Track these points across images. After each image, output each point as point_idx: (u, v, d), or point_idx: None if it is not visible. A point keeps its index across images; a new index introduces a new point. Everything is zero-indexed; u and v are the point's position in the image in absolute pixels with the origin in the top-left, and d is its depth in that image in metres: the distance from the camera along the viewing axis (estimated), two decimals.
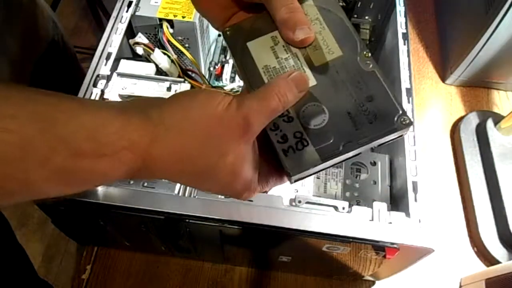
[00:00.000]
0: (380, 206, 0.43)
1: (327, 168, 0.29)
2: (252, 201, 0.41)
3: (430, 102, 0.74)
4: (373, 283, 0.57)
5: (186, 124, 0.25)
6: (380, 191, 0.50)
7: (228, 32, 0.32)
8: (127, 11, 0.55)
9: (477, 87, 0.75)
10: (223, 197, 0.42)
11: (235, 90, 0.57)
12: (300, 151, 0.28)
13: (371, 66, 0.30)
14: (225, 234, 0.44)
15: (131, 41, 0.56)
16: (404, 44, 0.54)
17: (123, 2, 0.56)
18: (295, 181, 0.29)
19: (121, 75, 0.51)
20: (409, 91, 0.51)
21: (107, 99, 0.49)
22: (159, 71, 0.57)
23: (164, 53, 0.56)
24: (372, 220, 0.42)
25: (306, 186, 0.50)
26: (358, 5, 0.67)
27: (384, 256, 0.43)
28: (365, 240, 0.41)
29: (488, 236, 0.59)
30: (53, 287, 0.81)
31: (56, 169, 0.22)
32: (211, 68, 0.65)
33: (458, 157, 0.67)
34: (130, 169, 0.24)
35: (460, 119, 0.70)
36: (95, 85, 0.49)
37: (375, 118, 0.28)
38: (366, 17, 0.68)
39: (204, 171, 0.26)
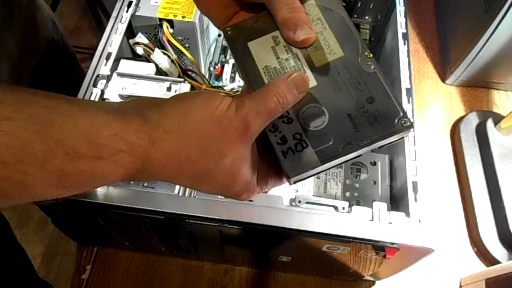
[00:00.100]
0: (380, 206, 0.43)
1: (327, 170, 0.29)
2: (252, 201, 0.41)
3: (430, 102, 0.74)
4: (373, 283, 0.57)
5: (185, 127, 0.25)
6: (380, 191, 0.50)
7: (229, 32, 0.32)
8: (127, 11, 0.55)
9: (477, 87, 0.75)
10: (223, 197, 0.42)
11: (235, 90, 0.57)
12: (300, 152, 0.28)
13: (372, 67, 0.29)
14: (225, 234, 0.44)
15: (131, 41, 0.56)
16: (404, 44, 0.54)
17: (123, 2, 0.56)
18: (294, 182, 0.28)
19: (121, 75, 0.51)
20: (409, 91, 0.51)
21: (107, 99, 0.49)
22: (159, 71, 0.57)
23: (164, 53, 0.56)
24: (372, 220, 0.42)
25: (306, 186, 0.50)
26: (358, 5, 0.67)
27: (384, 256, 0.43)
28: (365, 240, 0.41)
29: (488, 236, 0.59)
30: (53, 287, 0.81)
31: (53, 172, 0.22)
32: (211, 68, 0.65)
33: (458, 157, 0.67)
34: (129, 171, 0.24)
35: (460, 119, 0.70)
36: (95, 85, 0.49)
37: (375, 120, 0.28)
38: (366, 17, 0.68)
39: (203, 173, 0.26)
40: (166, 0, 0.56)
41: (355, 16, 0.68)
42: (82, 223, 0.51)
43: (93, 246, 0.58)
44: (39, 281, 0.76)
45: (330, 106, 0.29)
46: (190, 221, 0.41)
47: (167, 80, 0.52)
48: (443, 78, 0.75)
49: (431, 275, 0.58)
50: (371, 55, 0.30)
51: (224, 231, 0.43)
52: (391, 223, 0.42)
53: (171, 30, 0.57)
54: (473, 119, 0.68)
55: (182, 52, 0.56)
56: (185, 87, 0.52)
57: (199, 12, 0.56)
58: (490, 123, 0.65)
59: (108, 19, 0.55)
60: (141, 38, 0.56)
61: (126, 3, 0.56)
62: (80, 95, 0.49)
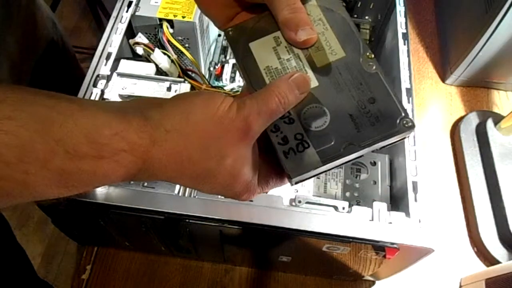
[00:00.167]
0: (380, 206, 0.43)
1: (328, 170, 0.29)
2: (252, 201, 0.41)
3: (430, 102, 0.74)
4: (373, 283, 0.57)
5: (186, 127, 0.25)
6: (380, 191, 0.50)
7: (230, 32, 0.32)
8: (127, 11, 0.55)
9: (477, 87, 0.75)
10: (223, 197, 0.42)
11: (235, 90, 0.57)
12: (301, 153, 0.28)
13: (374, 67, 0.29)
14: (225, 234, 0.44)
15: (131, 41, 0.56)
16: (404, 44, 0.54)
17: (123, 2, 0.56)
18: (296, 183, 0.28)
19: (121, 75, 0.51)
20: (409, 91, 0.51)
21: (107, 99, 0.49)
22: (159, 71, 0.57)
23: (164, 53, 0.56)
24: (372, 220, 0.42)
25: (306, 186, 0.50)
26: (358, 5, 0.67)
27: (384, 256, 0.43)
28: (365, 240, 0.41)
29: (488, 236, 0.59)
30: (53, 287, 0.81)
31: (54, 171, 0.22)
32: (211, 68, 0.65)
33: (458, 157, 0.67)
34: (130, 170, 0.24)
35: (460, 119, 0.70)
36: (95, 85, 0.49)
37: (377, 120, 0.28)
38: (366, 17, 0.68)
39: (204, 173, 0.26)
40: (166, 0, 0.56)
41: (355, 16, 0.68)
42: (82, 223, 0.51)
43: (93, 246, 0.58)
44: (39, 281, 0.76)
45: (331, 107, 0.29)
46: (190, 221, 0.41)
47: (167, 80, 0.52)
48: (443, 78, 0.75)
49: (431, 275, 0.58)
50: (373, 56, 0.30)
51: (224, 231, 0.43)
52: (391, 223, 0.42)
53: (171, 30, 0.57)
54: (473, 119, 0.68)
55: (182, 52, 0.56)
56: (185, 87, 0.52)
57: (199, 12, 0.56)
58: (490, 123, 0.65)
59: (108, 19, 0.55)
60: (141, 38, 0.56)
61: (126, 3, 0.56)
62: (80, 95, 0.49)
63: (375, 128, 0.28)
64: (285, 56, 0.30)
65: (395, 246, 0.40)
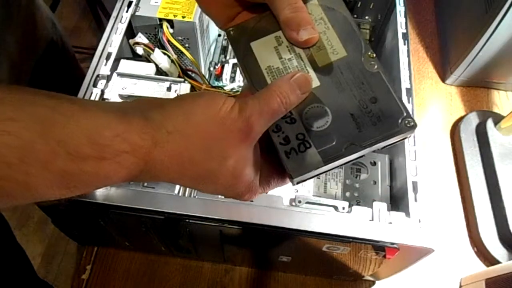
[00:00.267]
0: (380, 206, 0.43)
1: (330, 170, 0.29)
2: (252, 201, 0.41)
3: (430, 102, 0.74)
4: (373, 283, 0.57)
5: (188, 127, 0.25)
6: (380, 191, 0.50)
7: (231, 32, 0.32)
8: (127, 11, 0.55)
9: (477, 87, 0.75)
10: (223, 197, 0.42)
11: (235, 90, 0.57)
12: (303, 153, 0.28)
13: (375, 67, 0.29)
14: (225, 234, 0.44)
15: (131, 41, 0.56)
16: (404, 44, 0.54)
17: (123, 2, 0.56)
18: (297, 183, 0.28)
19: (121, 75, 0.51)
20: (409, 91, 0.51)
21: (107, 99, 0.49)
22: (159, 71, 0.57)
23: (164, 53, 0.56)
24: (372, 220, 0.42)
25: (306, 186, 0.50)
26: (358, 5, 0.67)
27: (384, 256, 0.43)
28: (365, 240, 0.40)
29: (488, 236, 0.59)
30: (53, 287, 0.81)
31: (56, 172, 0.22)
32: (211, 68, 0.65)
33: (458, 157, 0.67)
34: (132, 172, 0.24)
35: (460, 119, 0.70)
36: (95, 85, 0.49)
37: (379, 120, 0.28)
38: (366, 17, 0.68)
39: (206, 174, 0.26)
40: (166, 0, 0.56)
41: (355, 16, 0.68)
42: (82, 223, 0.51)
43: (93, 246, 0.58)
44: (38, 281, 0.76)
45: (333, 106, 0.29)
46: (190, 221, 0.41)
47: (167, 80, 0.52)
48: (443, 78, 0.75)
49: (431, 275, 0.58)
50: (374, 55, 0.30)
51: (224, 231, 0.43)
52: (391, 223, 0.42)
53: (171, 30, 0.57)
54: (473, 119, 0.68)
55: (182, 52, 0.56)
56: (185, 87, 0.52)
57: (199, 12, 0.56)
58: (490, 123, 0.65)
59: (108, 19, 0.55)
60: (141, 38, 0.56)
61: (126, 3, 0.56)
62: (80, 95, 0.48)
63: (377, 128, 0.28)
64: (287, 55, 0.30)
65: (395, 246, 0.40)
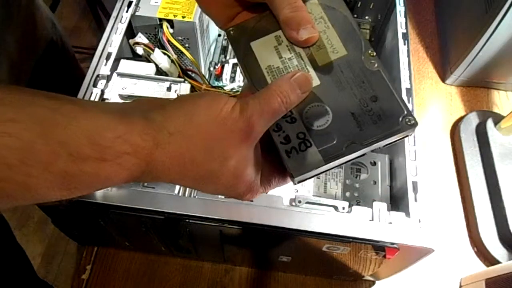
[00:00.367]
0: (380, 206, 0.43)
1: (330, 169, 0.29)
2: (252, 201, 0.41)
3: (430, 102, 0.74)
4: (373, 283, 0.57)
5: (189, 128, 0.25)
6: (380, 191, 0.50)
7: (231, 32, 0.32)
8: (127, 11, 0.55)
9: (477, 87, 0.75)
10: (223, 197, 0.42)
11: (235, 90, 0.57)
12: (303, 152, 0.28)
13: (376, 65, 0.29)
14: (225, 234, 0.44)
15: (131, 41, 0.56)
16: (404, 44, 0.54)
17: (123, 2, 0.56)
18: (298, 182, 0.28)
19: (121, 75, 0.51)
20: (409, 91, 0.51)
21: (107, 99, 0.49)
22: (159, 71, 0.57)
23: (164, 53, 0.56)
24: (372, 220, 0.42)
25: (306, 186, 0.50)
26: (358, 5, 0.67)
27: (384, 256, 0.43)
28: (365, 240, 0.40)
29: (488, 236, 0.59)
30: (53, 287, 0.81)
31: (57, 173, 0.22)
32: (211, 68, 0.65)
33: (458, 157, 0.67)
34: (133, 173, 0.24)
35: (460, 119, 0.70)
36: (95, 85, 0.49)
37: (379, 119, 0.28)
38: (366, 17, 0.68)
39: (207, 175, 0.26)
40: (166, 0, 0.56)
41: (355, 16, 0.68)
42: (82, 223, 0.51)
43: (93, 246, 0.58)
44: (38, 281, 0.76)
45: (333, 105, 0.29)
46: (190, 221, 0.41)
47: (167, 80, 0.52)
48: (443, 78, 0.75)
49: (431, 275, 0.58)
50: (374, 54, 0.29)
51: (224, 231, 0.43)
52: (391, 223, 0.42)
53: (171, 30, 0.57)
54: (473, 119, 0.68)
55: (182, 52, 0.56)
56: (185, 87, 0.52)
57: (199, 12, 0.56)
58: (490, 123, 0.65)
59: (108, 19, 0.55)
60: (141, 38, 0.56)
61: (126, 3, 0.56)
62: (80, 95, 0.48)
63: (378, 126, 0.28)
64: (287, 55, 0.30)
65: (395, 246, 0.40)
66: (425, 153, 0.67)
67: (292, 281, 0.57)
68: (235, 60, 0.62)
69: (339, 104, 0.29)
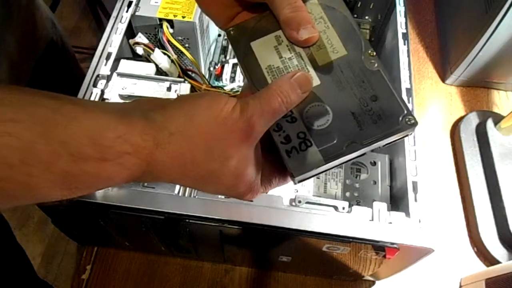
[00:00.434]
0: (380, 206, 0.43)
1: (331, 168, 0.29)
2: (252, 201, 0.41)
3: (430, 102, 0.74)
4: (373, 283, 0.57)
5: (190, 128, 0.25)
6: (380, 191, 0.50)
7: (231, 32, 0.32)
8: (127, 11, 0.55)
9: (477, 87, 0.75)
10: (223, 197, 0.42)
11: (235, 90, 0.57)
12: (304, 151, 0.28)
13: (376, 65, 0.29)
14: (225, 234, 0.44)
15: (131, 41, 0.56)
16: (404, 44, 0.54)
17: (123, 2, 0.56)
18: (299, 181, 0.28)
19: (121, 75, 0.51)
20: (409, 91, 0.51)
21: (107, 99, 0.49)
22: (159, 71, 0.57)
23: (164, 53, 0.56)
24: (372, 220, 0.42)
25: (306, 186, 0.50)
26: (358, 5, 0.67)
27: (384, 256, 0.43)
28: (365, 240, 0.40)
29: (488, 236, 0.59)
30: (53, 287, 0.81)
31: (58, 173, 0.22)
32: (211, 68, 0.65)
33: (458, 157, 0.67)
34: (134, 173, 0.24)
35: (460, 119, 0.70)
36: (95, 85, 0.49)
37: (379, 118, 0.28)
38: (366, 17, 0.68)
39: (208, 175, 0.26)
40: (166, 0, 0.56)
41: (355, 16, 0.68)
42: (82, 223, 0.51)
43: (93, 246, 0.58)
44: (38, 281, 0.76)
45: (333, 105, 0.29)
46: (190, 221, 0.41)
47: (167, 80, 0.52)
48: (443, 78, 0.75)
49: (431, 275, 0.58)
50: (374, 53, 0.30)
51: (224, 231, 0.43)
52: (391, 223, 0.42)
53: (171, 30, 0.57)
54: (473, 119, 0.68)
55: (182, 52, 0.56)
56: (185, 87, 0.52)
57: (199, 12, 0.56)
58: (490, 123, 0.65)
59: (108, 19, 0.55)
60: (141, 38, 0.56)
61: (126, 3, 0.56)
62: (80, 95, 0.48)
63: (378, 126, 0.28)
64: (287, 55, 0.30)
65: (395, 246, 0.40)
66: (425, 153, 0.67)
67: (292, 281, 0.57)
68: (235, 60, 0.62)
69: (339, 103, 0.29)
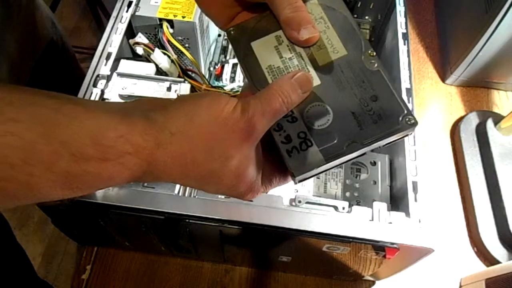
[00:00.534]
0: (380, 206, 0.43)
1: (331, 168, 0.29)
2: (252, 201, 0.41)
3: (430, 102, 0.74)
4: (373, 283, 0.57)
5: (191, 129, 0.25)
6: (380, 191, 0.50)
7: (232, 32, 0.32)
8: (127, 11, 0.55)
9: (477, 87, 0.75)
10: (223, 197, 0.42)
11: (235, 90, 0.57)
12: (304, 151, 0.28)
13: (376, 65, 0.29)
14: (225, 234, 0.44)
15: (131, 41, 0.56)
16: (404, 44, 0.54)
17: (123, 2, 0.56)
18: (299, 181, 0.28)
19: (121, 75, 0.51)
20: (409, 91, 0.51)
21: (107, 99, 0.49)
22: (159, 71, 0.57)
23: (164, 53, 0.56)
24: (372, 220, 0.42)
25: (306, 186, 0.50)
26: (358, 5, 0.67)
27: (384, 256, 0.43)
28: (365, 240, 0.40)
29: (488, 236, 0.59)
30: (53, 287, 0.81)
31: (59, 173, 0.22)
32: (211, 68, 0.65)
33: (458, 157, 0.67)
34: (135, 173, 0.24)
35: (460, 119, 0.70)
36: (95, 85, 0.49)
37: (379, 118, 0.28)
38: (366, 17, 0.68)
39: (209, 175, 0.26)
40: (166, 0, 0.56)
41: (355, 16, 0.68)
42: (82, 223, 0.51)
43: (93, 246, 0.58)
44: (39, 281, 0.76)
45: (334, 105, 0.29)
46: (190, 221, 0.41)
47: (167, 80, 0.52)
48: (443, 78, 0.75)
49: (431, 275, 0.58)
50: (374, 53, 0.30)
51: (224, 231, 0.43)
52: (391, 223, 0.42)
53: (171, 30, 0.57)
54: (473, 119, 0.68)
55: (182, 52, 0.56)
56: (185, 87, 0.52)
57: (199, 12, 0.56)
58: (490, 123, 0.65)
59: (108, 19, 0.55)
60: (141, 38, 0.56)
61: (126, 3, 0.56)
62: (80, 95, 0.49)
63: (378, 126, 0.28)
64: (287, 55, 0.30)
65: (395, 246, 0.40)
66: (425, 153, 0.67)
67: (292, 281, 0.57)
68: (235, 60, 0.62)
69: (339, 103, 0.29)
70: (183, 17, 0.55)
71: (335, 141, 0.28)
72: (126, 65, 0.53)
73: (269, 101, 0.27)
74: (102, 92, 0.49)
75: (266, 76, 0.30)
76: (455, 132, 0.69)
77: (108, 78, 0.50)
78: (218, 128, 0.26)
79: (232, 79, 0.61)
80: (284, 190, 0.47)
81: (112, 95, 0.50)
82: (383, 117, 0.28)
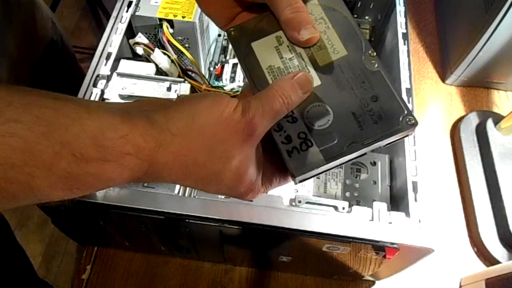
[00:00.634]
0: (380, 206, 0.43)
1: (331, 168, 0.29)
2: (252, 201, 0.41)
3: (430, 102, 0.74)
4: (373, 283, 0.57)
5: (192, 129, 0.25)
6: (380, 191, 0.50)
7: (232, 33, 0.32)
8: (127, 11, 0.55)
9: (477, 87, 0.75)
10: (223, 197, 0.42)
11: (235, 90, 0.57)
12: (304, 151, 0.28)
13: (376, 65, 0.29)
14: (225, 234, 0.44)
15: (131, 41, 0.56)
16: (404, 44, 0.54)
17: (123, 2, 0.56)
18: (300, 181, 0.28)
19: (121, 75, 0.51)
20: (409, 91, 0.51)
21: (107, 99, 0.49)
22: (159, 71, 0.57)
23: (164, 53, 0.56)
24: (372, 220, 0.42)
25: (306, 186, 0.50)
26: (358, 5, 0.67)
27: (384, 256, 0.43)
28: (365, 240, 0.40)
29: (488, 236, 0.59)
30: (53, 287, 0.81)
31: (60, 174, 0.22)
32: (211, 68, 0.65)
33: (458, 157, 0.67)
34: (135, 174, 0.24)
35: (460, 119, 0.70)
36: (95, 85, 0.49)
37: (380, 118, 0.28)
38: (366, 17, 0.68)
39: (209, 175, 0.26)
40: (166, 0, 0.56)
41: (355, 16, 0.68)
42: (82, 223, 0.51)
43: (93, 246, 0.58)
44: (39, 281, 0.77)
45: (334, 105, 0.29)
46: (190, 221, 0.41)
47: (167, 80, 0.52)
48: (443, 78, 0.75)
49: (431, 275, 0.58)
50: (375, 54, 0.30)
51: (224, 231, 0.43)
52: (391, 223, 0.42)
53: (171, 30, 0.57)
54: (473, 119, 0.68)
55: (182, 52, 0.56)
56: (185, 87, 0.52)
57: (199, 12, 0.56)
58: (490, 123, 0.65)
59: (108, 19, 0.55)
60: (141, 38, 0.56)
61: (126, 3, 0.56)
62: (80, 95, 0.48)
63: (378, 126, 0.28)
64: (287, 55, 0.30)
65: (395, 246, 0.40)
66: (425, 153, 0.67)
67: (292, 281, 0.57)
68: (235, 60, 0.62)
69: (339, 104, 0.29)
70: (183, 17, 0.55)
71: (336, 142, 0.28)
72: (126, 65, 0.53)
73: (270, 101, 0.27)
74: (102, 92, 0.49)
75: (267, 76, 0.30)
76: (455, 132, 0.69)
77: (108, 78, 0.50)
78: (219, 129, 0.26)
79: (232, 79, 0.61)
80: (284, 190, 0.47)
81: (112, 95, 0.50)
82: (383, 118, 0.28)
